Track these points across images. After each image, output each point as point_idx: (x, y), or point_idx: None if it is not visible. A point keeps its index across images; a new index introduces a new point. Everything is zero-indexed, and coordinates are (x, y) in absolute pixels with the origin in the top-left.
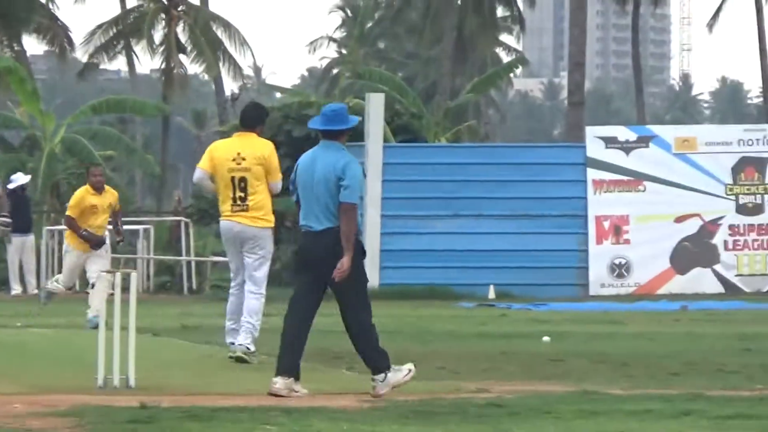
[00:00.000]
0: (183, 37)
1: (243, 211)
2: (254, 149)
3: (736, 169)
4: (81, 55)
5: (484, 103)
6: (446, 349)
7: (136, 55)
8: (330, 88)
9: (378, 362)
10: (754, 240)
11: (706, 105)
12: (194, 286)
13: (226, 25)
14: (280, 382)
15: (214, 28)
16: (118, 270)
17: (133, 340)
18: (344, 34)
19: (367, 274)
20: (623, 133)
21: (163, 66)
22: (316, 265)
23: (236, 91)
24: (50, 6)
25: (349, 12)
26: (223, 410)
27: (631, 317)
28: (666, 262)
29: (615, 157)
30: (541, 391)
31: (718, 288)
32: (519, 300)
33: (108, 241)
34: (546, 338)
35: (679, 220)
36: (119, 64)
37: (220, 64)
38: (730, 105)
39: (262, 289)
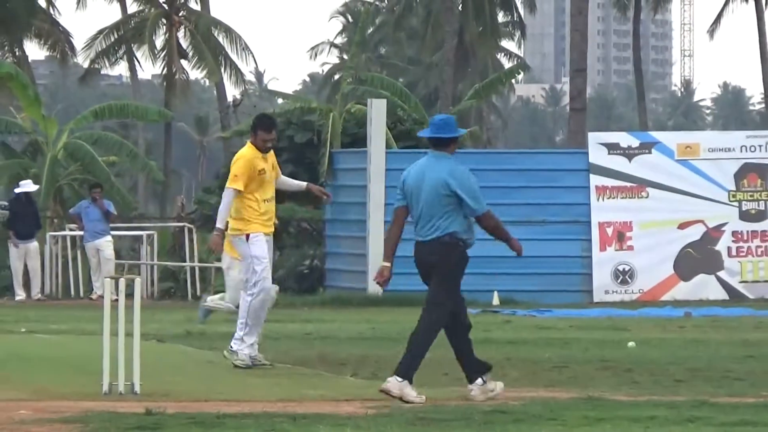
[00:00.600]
0: (184, 43)
1: None
2: None
3: (739, 176)
4: (82, 60)
5: (486, 109)
6: (450, 356)
7: (137, 60)
8: (332, 94)
9: (408, 368)
10: (758, 246)
11: (708, 111)
12: (198, 292)
13: (228, 31)
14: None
15: (215, 34)
16: (122, 276)
17: (137, 346)
18: (345, 39)
19: (372, 280)
20: (626, 139)
21: (164, 71)
22: (429, 274)
23: (238, 96)
24: (51, 11)
25: (350, 18)
26: (228, 416)
27: (636, 324)
28: (670, 269)
29: (618, 163)
30: (546, 398)
31: (722, 294)
32: (523, 306)
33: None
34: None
35: (683, 226)
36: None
37: (222, 70)
38: (732, 111)
39: (247, 291)
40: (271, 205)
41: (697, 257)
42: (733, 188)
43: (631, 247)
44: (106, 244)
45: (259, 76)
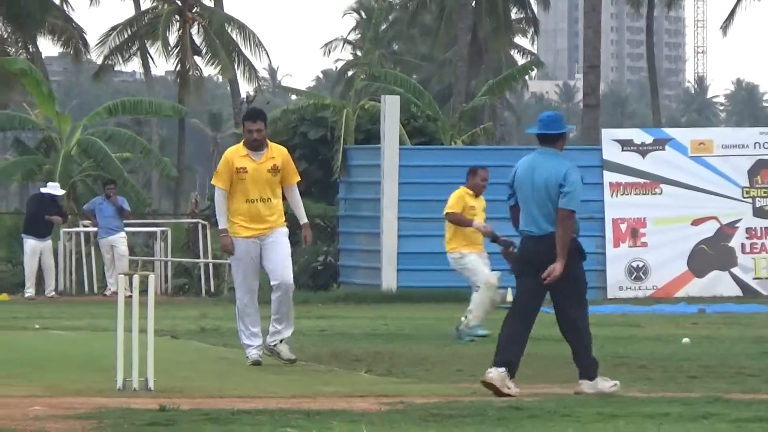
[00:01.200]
0: (198, 39)
1: None
2: None
3: (753, 172)
4: (96, 56)
5: (500, 105)
6: (464, 352)
7: (151, 56)
8: (345, 90)
9: (587, 368)
10: None
11: (721, 107)
12: (212, 288)
13: (241, 27)
14: (494, 372)
15: (228, 30)
16: (136, 272)
17: (152, 342)
18: (359, 36)
19: (386, 276)
20: (639, 135)
21: (178, 68)
22: (538, 269)
23: (251, 93)
24: (65, 8)
25: (363, 14)
26: (242, 413)
27: (649, 320)
28: (683, 265)
29: (631, 159)
30: (560, 394)
31: (735, 291)
32: None
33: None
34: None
35: (696, 222)
36: (134, 65)
37: (235, 66)
38: (746, 107)
39: None
40: (260, 206)
41: (711, 254)
42: (747, 185)
43: (645, 244)
44: (120, 241)
45: (272, 72)
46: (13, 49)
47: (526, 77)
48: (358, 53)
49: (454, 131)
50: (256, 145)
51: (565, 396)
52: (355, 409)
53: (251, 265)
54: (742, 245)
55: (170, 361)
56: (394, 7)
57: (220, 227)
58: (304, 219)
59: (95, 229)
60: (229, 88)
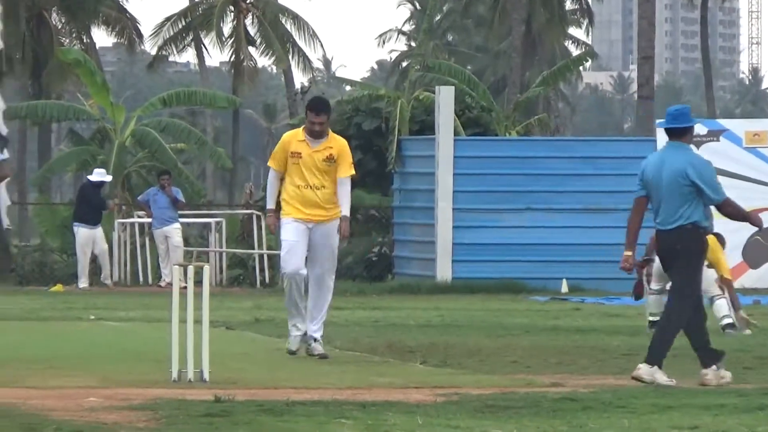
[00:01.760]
0: (252, 30)
1: None
2: None
3: None
4: (150, 47)
5: (554, 96)
6: (519, 343)
7: (205, 47)
8: (400, 81)
9: (657, 355)
10: None
11: None
12: (267, 279)
13: (295, 18)
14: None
15: (283, 21)
16: (191, 263)
17: (206, 333)
18: (413, 27)
19: (441, 267)
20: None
21: (232, 58)
22: (672, 262)
23: (306, 83)
24: None
25: (417, 5)
26: (297, 404)
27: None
28: (738, 256)
29: None
30: (615, 385)
31: None
32: (591, 294)
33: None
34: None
35: None
36: (188, 56)
37: (290, 57)
38: None
39: None
40: (310, 192)
41: (766, 245)
42: None
43: None
44: (174, 231)
45: (327, 63)
46: (68, 40)
47: (581, 68)
48: (413, 44)
49: (509, 122)
50: (316, 134)
51: (621, 387)
52: (410, 400)
53: (302, 240)
54: None
55: (225, 353)
56: None
57: (268, 207)
58: (346, 212)
59: (150, 220)
60: (283, 78)
